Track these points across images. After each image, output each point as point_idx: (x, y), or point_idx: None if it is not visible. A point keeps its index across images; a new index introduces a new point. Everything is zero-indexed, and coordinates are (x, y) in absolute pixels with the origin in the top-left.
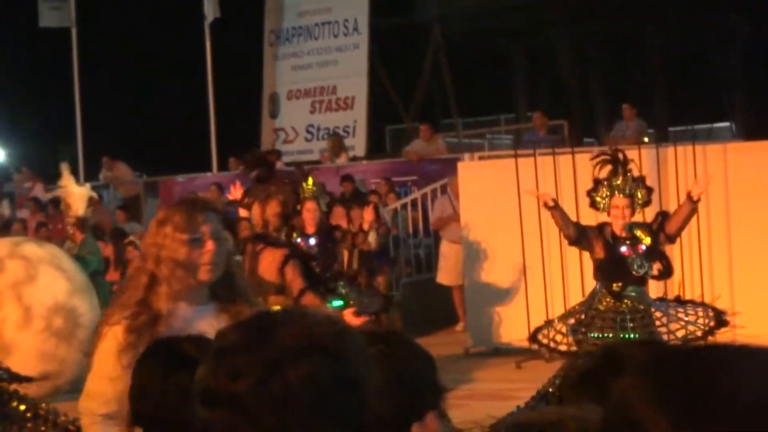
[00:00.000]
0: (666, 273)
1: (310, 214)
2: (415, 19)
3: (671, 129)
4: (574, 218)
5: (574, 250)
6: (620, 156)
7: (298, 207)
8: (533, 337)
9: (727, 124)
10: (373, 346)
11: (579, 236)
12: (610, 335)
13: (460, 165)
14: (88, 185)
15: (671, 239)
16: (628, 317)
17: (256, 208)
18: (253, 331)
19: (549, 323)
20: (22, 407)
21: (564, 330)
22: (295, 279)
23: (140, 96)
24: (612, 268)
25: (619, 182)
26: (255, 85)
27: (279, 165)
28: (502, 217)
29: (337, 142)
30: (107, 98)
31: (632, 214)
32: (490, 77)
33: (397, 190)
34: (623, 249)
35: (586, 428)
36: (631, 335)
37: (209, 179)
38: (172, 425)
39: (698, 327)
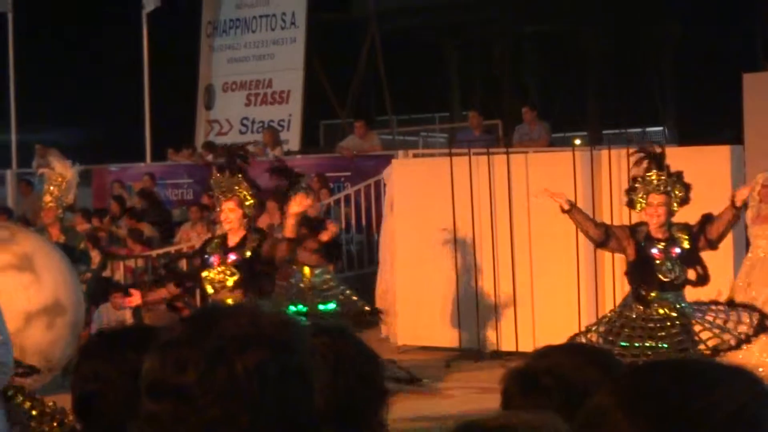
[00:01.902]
0: (702, 279)
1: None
2: (352, 15)
3: (605, 132)
4: (506, 220)
5: (505, 250)
6: (656, 151)
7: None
8: None
9: (660, 128)
10: (317, 338)
11: (606, 238)
12: (637, 344)
13: (394, 162)
14: (75, 168)
15: (712, 245)
16: (657, 326)
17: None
18: (199, 323)
19: (583, 333)
20: (27, 404)
21: (595, 339)
22: None
23: (75, 83)
24: (641, 272)
25: (654, 179)
26: (191, 75)
27: (212, 157)
28: (436, 215)
29: (272, 135)
30: (42, 84)
31: (669, 212)
32: (426, 75)
33: (330, 186)
34: (654, 251)
35: None
36: (659, 345)
37: (142, 169)
38: (97, 410)
39: (733, 335)
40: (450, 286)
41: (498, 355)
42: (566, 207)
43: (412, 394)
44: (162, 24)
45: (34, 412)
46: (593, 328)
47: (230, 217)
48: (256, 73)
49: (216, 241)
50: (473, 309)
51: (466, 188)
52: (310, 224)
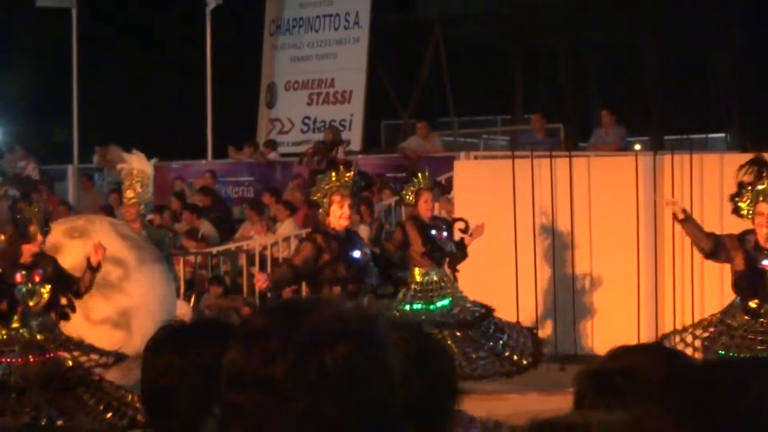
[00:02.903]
0: None
1: (427, 204)
2: (416, 17)
3: (666, 137)
4: (568, 224)
5: (565, 252)
6: (766, 159)
7: (412, 197)
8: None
9: (722, 134)
10: (397, 333)
11: (715, 248)
12: (736, 354)
13: (456, 164)
14: (152, 163)
15: None
16: (759, 338)
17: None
18: (284, 315)
19: (678, 332)
20: (87, 396)
21: (690, 340)
22: None
23: (138, 79)
24: (750, 283)
25: (764, 187)
26: (253, 73)
27: (274, 156)
28: (496, 217)
29: (335, 134)
30: (105, 80)
31: None
32: (488, 78)
33: (391, 186)
34: (765, 262)
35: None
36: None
37: (204, 166)
38: (163, 406)
39: None
40: (509, 288)
41: (557, 358)
42: (681, 216)
43: (470, 397)
44: (225, 22)
45: (91, 402)
46: (690, 329)
47: (350, 215)
48: (318, 73)
49: (333, 241)
50: (532, 311)
51: (528, 191)
52: (424, 226)
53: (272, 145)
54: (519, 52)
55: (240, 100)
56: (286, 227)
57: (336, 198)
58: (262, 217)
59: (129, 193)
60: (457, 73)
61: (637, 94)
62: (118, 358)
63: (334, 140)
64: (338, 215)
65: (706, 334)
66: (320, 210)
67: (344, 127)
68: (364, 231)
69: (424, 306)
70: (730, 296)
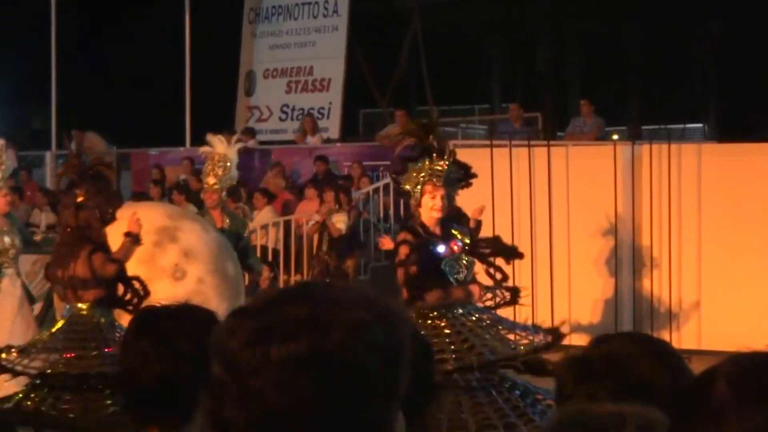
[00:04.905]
0: None
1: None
2: (395, 5)
3: (644, 127)
4: (546, 214)
5: (543, 242)
6: None
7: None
8: None
9: (699, 125)
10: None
11: None
12: None
13: None
14: (234, 147)
15: None
16: None
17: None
18: (271, 299)
19: None
20: None
21: None
22: None
23: (117, 66)
24: None
25: None
26: (232, 61)
27: (252, 143)
28: (474, 206)
29: (312, 122)
30: (83, 67)
31: None
32: (467, 67)
33: (369, 174)
34: None
35: (648, 426)
36: None
37: (182, 153)
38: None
39: None
40: (486, 278)
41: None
42: None
43: None
44: (204, 9)
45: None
46: None
47: (444, 207)
48: (297, 61)
49: (420, 231)
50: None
51: (506, 180)
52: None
53: (251, 132)
54: (497, 40)
55: (219, 88)
56: (264, 215)
57: (428, 188)
58: (238, 205)
59: (210, 179)
60: (435, 61)
61: (615, 84)
62: None
63: (429, 123)
64: (430, 206)
65: None
66: (412, 201)
67: (322, 115)
68: (342, 219)
69: None
70: (706, 284)
